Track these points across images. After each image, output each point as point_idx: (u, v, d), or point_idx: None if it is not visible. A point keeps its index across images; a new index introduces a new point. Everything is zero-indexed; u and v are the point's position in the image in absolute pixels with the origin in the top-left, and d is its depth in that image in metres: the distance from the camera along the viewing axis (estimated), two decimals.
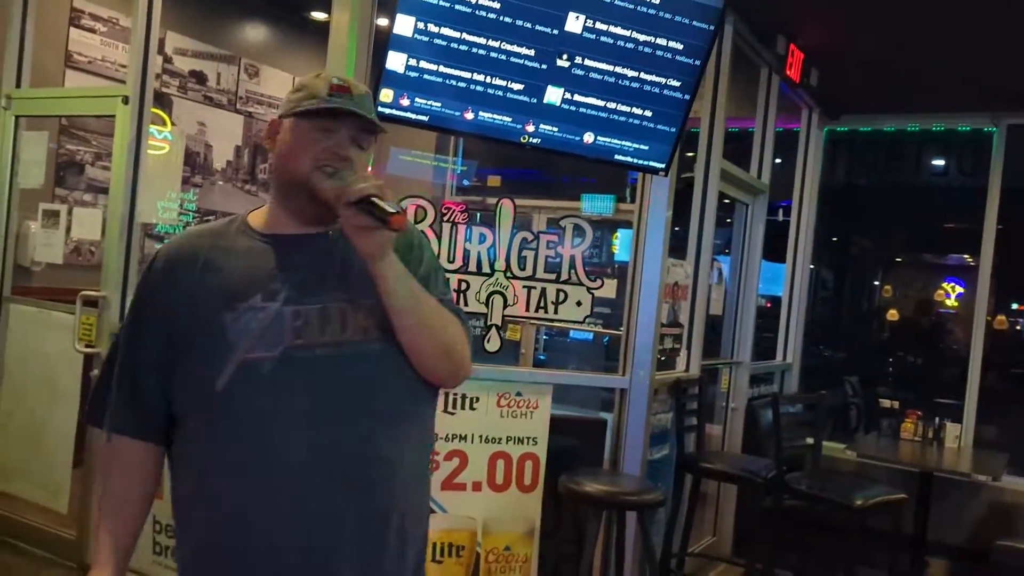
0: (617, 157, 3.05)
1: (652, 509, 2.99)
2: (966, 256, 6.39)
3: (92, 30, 4.57)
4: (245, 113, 5.33)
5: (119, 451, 1.37)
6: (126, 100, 3.39)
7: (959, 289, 7.86)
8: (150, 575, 3.27)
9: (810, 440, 4.04)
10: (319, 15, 5.09)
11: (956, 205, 5.79)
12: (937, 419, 4.78)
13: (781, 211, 5.27)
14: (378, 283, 1.27)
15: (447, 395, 2.98)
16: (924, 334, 7.40)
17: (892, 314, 8.18)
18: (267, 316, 1.28)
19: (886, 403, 4.95)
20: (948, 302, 7.77)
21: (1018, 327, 7.18)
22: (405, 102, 2.72)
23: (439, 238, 2.94)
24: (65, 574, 3.45)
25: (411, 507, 1.37)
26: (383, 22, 2.94)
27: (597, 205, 5.46)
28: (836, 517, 3.38)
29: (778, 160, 4.83)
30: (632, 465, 3.24)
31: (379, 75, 2.67)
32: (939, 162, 5.65)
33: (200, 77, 5.05)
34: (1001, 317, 6.65)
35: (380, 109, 2.70)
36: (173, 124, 4.70)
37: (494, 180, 6.06)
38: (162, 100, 4.71)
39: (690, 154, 3.84)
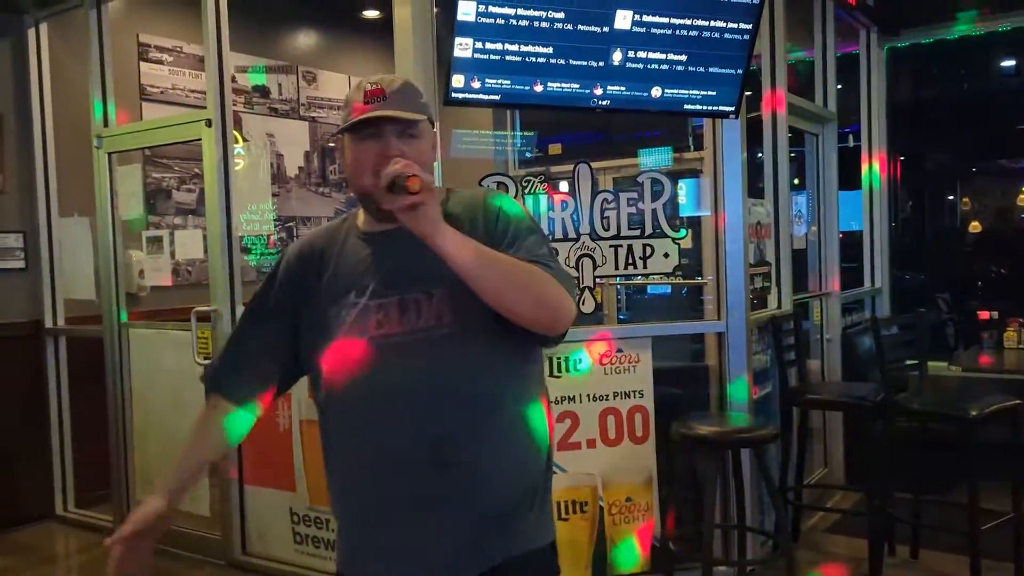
0: (686, 107, 3.09)
1: (766, 445, 3.05)
2: None
3: (159, 61, 4.78)
4: (309, 119, 5.50)
5: (213, 406, 1.59)
6: (209, 123, 3.57)
7: None
8: (293, 562, 3.50)
9: (911, 361, 4.01)
10: (370, 14, 5.21)
11: None
12: None
13: (851, 137, 5.20)
14: (444, 259, 1.28)
15: (552, 360, 3.08)
16: (1009, 241, 7.20)
17: (974, 226, 7.96)
18: (356, 310, 1.42)
19: (985, 315, 4.85)
20: None
21: None
22: (476, 84, 2.80)
23: None
24: (215, 571, 3.71)
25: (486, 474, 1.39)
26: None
27: (656, 159, 5.46)
28: (947, 433, 3.37)
29: (839, 86, 4.76)
30: (738, 406, 3.31)
31: (448, 62, 2.75)
32: (1009, 63, 5.45)
33: (263, 91, 5.23)
34: None
35: (453, 94, 2.79)
36: (245, 140, 4.89)
37: (555, 148, 6.09)
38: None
39: (748, 93, 3.82)
